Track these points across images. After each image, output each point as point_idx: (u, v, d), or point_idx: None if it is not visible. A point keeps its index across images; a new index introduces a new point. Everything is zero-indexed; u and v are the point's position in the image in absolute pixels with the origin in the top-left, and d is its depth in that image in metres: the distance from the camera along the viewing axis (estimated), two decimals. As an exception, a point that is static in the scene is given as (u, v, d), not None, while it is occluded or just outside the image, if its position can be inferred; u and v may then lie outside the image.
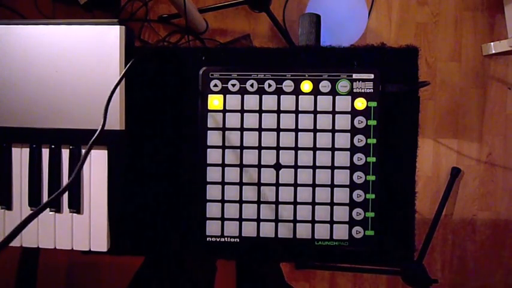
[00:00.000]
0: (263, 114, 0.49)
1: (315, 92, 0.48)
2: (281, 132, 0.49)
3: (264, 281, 0.79)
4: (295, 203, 0.49)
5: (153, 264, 0.65)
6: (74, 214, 0.48)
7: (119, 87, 0.46)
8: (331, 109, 0.48)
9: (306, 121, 0.49)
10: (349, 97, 0.48)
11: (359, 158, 0.48)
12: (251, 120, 0.49)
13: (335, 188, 0.48)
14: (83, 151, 0.48)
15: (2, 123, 0.48)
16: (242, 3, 1.19)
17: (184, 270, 0.64)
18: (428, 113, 1.37)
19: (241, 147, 0.49)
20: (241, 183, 0.49)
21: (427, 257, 1.28)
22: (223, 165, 0.49)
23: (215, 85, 0.49)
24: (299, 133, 0.49)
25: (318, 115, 0.49)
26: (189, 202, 0.51)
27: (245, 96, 0.49)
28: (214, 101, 0.49)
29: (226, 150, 0.49)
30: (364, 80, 0.48)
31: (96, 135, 0.37)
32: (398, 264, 0.52)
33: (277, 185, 0.49)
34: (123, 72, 0.44)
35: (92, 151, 0.48)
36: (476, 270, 1.39)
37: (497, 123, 1.37)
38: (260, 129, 0.49)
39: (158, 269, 0.63)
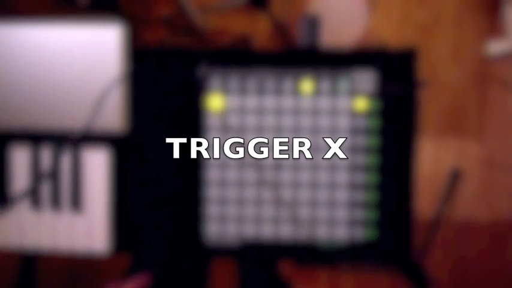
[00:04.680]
0: (263, 114, 0.49)
1: (315, 92, 0.49)
2: (281, 132, 0.49)
3: (263, 279, 0.79)
4: (295, 203, 0.49)
5: (145, 264, 0.64)
6: (74, 214, 0.48)
7: (119, 88, 0.46)
8: (331, 109, 0.48)
9: (306, 121, 0.49)
10: (349, 97, 0.48)
11: (359, 158, 0.48)
12: (251, 120, 0.49)
13: (335, 188, 0.48)
14: (84, 151, 0.48)
15: (2, 123, 0.48)
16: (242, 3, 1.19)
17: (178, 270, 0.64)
18: (428, 113, 1.37)
19: (242, 147, 0.49)
20: (241, 184, 0.49)
21: (428, 257, 1.27)
22: (223, 165, 0.49)
23: (215, 85, 0.49)
24: (299, 133, 0.49)
25: (318, 115, 0.49)
26: (189, 202, 0.51)
27: (245, 96, 0.49)
28: (214, 101, 0.49)
29: (226, 150, 0.49)
30: (364, 80, 0.48)
31: (84, 129, 0.37)
32: (398, 264, 0.52)
33: (277, 185, 0.49)
34: (121, 78, 0.44)
35: (93, 151, 0.48)
36: (477, 270, 1.39)
37: (497, 123, 1.37)
38: (260, 129, 0.49)
39: (150, 269, 0.63)
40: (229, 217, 0.49)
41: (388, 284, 1.40)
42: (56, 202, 0.48)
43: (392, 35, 1.39)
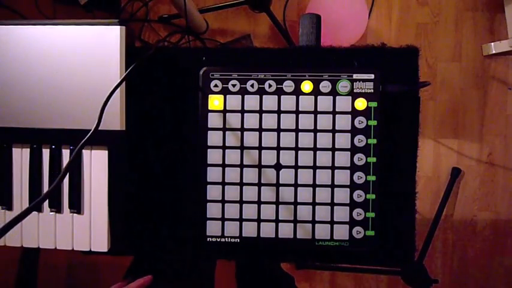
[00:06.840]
0: (263, 114, 0.49)
1: (316, 92, 0.48)
2: (281, 133, 0.49)
3: (263, 275, 0.79)
4: (295, 203, 0.49)
5: (145, 262, 0.64)
6: (74, 214, 0.48)
7: (118, 88, 0.46)
8: (331, 109, 0.48)
9: (306, 121, 0.49)
10: (350, 97, 0.48)
11: (359, 158, 0.48)
12: (251, 120, 0.49)
13: (335, 188, 0.48)
14: (83, 151, 0.48)
15: (2, 123, 0.48)
16: (242, 3, 1.19)
17: (183, 267, 0.64)
18: (428, 113, 1.37)
19: (242, 148, 0.49)
20: (241, 184, 0.49)
21: (428, 257, 1.27)
22: (223, 165, 0.49)
23: (215, 85, 0.49)
24: (299, 133, 0.49)
25: (318, 115, 0.49)
26: (190, 202, 0.51)
27: (245, 96, 0.49)
28: (215, 101, 0.49)
29: (226, 150, 0.49)
30: (364, 80, 0.48)
31: (88, 135, 0.37)
32: (398, 264, 0.52)
33: (277, 185, 0.49)
34: (123, 76, 0.44)
35: (93, 151, 0.48)
36: (477, 271, 1.39)
37: (497, 123, 1.37)
38: (260, 130, 0.49)
39: (151, 267, 0.63)
40: (229, 217, 0.49)
41: (388, 284, 1.40)
42: (56, 202, 0.48)
43: (392, 35, 1.39)
